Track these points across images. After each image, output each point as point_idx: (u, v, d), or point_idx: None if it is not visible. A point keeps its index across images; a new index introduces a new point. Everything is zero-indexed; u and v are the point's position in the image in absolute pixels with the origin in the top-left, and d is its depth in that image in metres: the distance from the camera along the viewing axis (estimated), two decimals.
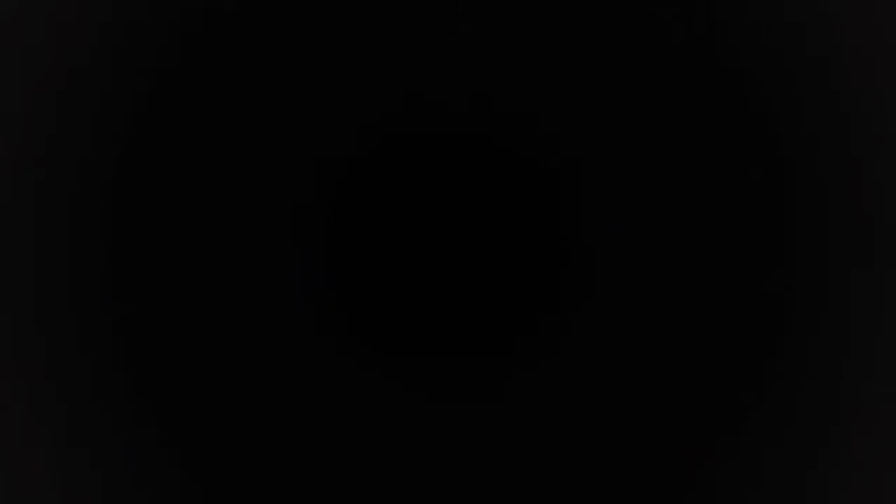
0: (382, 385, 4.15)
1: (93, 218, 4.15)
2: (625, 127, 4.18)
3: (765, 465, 4.12)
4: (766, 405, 4.13)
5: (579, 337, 4.14)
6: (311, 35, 4.19)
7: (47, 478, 4.12)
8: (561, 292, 4.15)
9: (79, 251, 4.14)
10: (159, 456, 4.12)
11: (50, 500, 4.12)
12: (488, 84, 4.19)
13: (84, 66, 4.16)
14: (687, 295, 4.14)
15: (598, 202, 4.17)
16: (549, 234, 4.17)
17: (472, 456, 4.14)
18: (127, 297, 4.14)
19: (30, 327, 4.13)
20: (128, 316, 4.13)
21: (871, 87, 4.17)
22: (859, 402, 4.13)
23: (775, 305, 4.14)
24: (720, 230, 4.15)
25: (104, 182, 4.15)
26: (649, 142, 4.18)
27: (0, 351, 4.12)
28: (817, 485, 4.12)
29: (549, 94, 4.18)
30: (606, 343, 4.14)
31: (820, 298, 4.14)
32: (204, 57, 4.17)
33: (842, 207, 4.15)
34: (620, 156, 4.18)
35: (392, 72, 4.19)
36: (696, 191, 4.17)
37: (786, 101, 4.17)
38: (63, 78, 4.17)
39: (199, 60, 4.17)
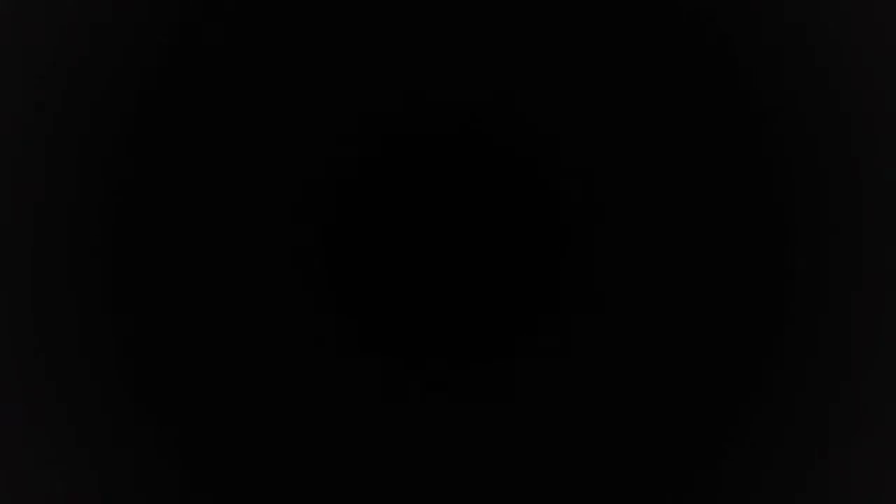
0: (382, 385, 4.15)
1: (93, 218, 4.15)
2: (625, 127, 4.18)
3: (765, 464, 4.12)
4: (767, 405, 4.13)
5: (579, 337, 4.14)
6: (311, 36, 4.19)
7: (47, 478, 4.12)
8: (561, 292, 4.15)
9: (79, 251, 4.14)
10: (159, 456, 4.12)
11: (50, 500, 4.12)
12: (488, 85, 4.19)
13: (84, 67, 4.16)
14: (687, 295, 4.14)
15: (599, 202, 4.17)
16: (549, 234, 4.17)
17: (472, 456, 4.14)
18: (127, 298, 4.14)
19: (30, 327, 4.13)
20: (128, 316, 4.14)
21: (871, 87, 4.18)
22: (859, 402, 4.13)
23: (775, 305, 4.14)
24: (720, 230, 4.15)
25: (104, 181, 4.15)
26: (649, 142, 4.18)
27: (0, 351, 4.12)
28: (817, 485, 4.13)
29: (550, 94, 4.18)
30: (606, 343, 4.14)
31: (820, 298, 4.14)
32: (204, 57, 4.17)
33: (842, 207, 4.15)
34: (620, 156, 4.18)
35: (392, 72, 4.19)
36: (696, 191, 4.17)
37: (786, 101, 4.17)
38: (63, 78, 4.17)
39: (199, 61, 4.17)
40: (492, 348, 4.15)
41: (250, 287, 4.14)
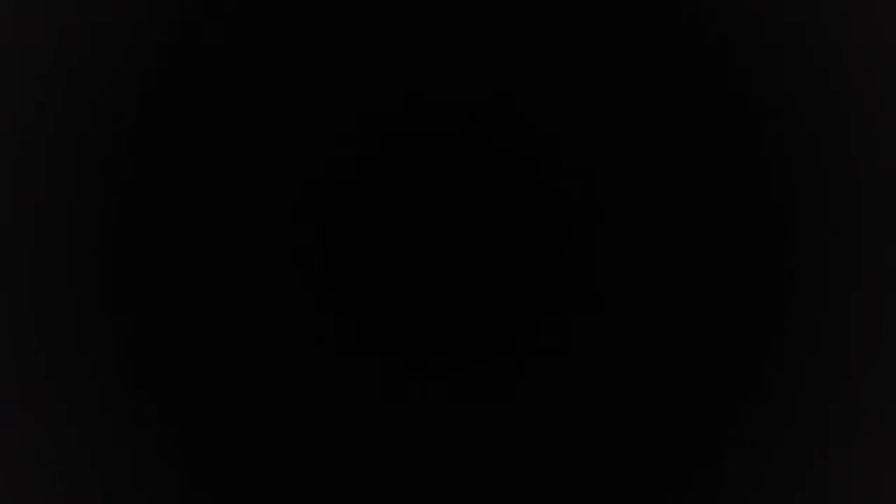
0: (382, 385, 4.15)
1: (93, 218, 4.15)
2: (625, 128, 4.18)
3: (765, 464, 4.12)
4: (767, 405, 4.13)
5: (579, 337, 4.14)
6: (311, 36, 4.19)
7: (47, 478, 4.12)
8: (561, 292, 4.15)
9: (79, 251, 4.14)
10: (159, 456, 4.12)
11: (50, 500, 4.12)
12: (488, 85, 4.19)
13: (84, 67, 4.16)
14: (687, 295, 4.14)
15: (599, 202, 4.17)
16: (549, 234, 4.17)
17: (472, 456, 4.14)
18: (127, 298, 4.14)
19: (30, 327, 4.13)
20: (128, 316, 4.14)
21: (871, 87, 4.18)
22: (859, 402, 4.13)
23: (775, 305, 4.14)
24: (720, 230, 4.15)
25: (104, 181, 4.15)
26: (649, 142, 4.18)
27: (0, 351, 4.12)
28: (817, 485, 4.13)
29: (550, 94, 4.18)
30: (606, 343, 4.14)
31: (820, 298, 4.14)
32: (204, 57, 4.17)
33: (842, 207, 4.15)
34: (620, 156, 4.18)
35: (392, 72, 4.19)
36: (696, 191, 4.17)
37: (786, 101, 4.17)
38: (63, 78, 4.17)
39: (199, 61, 4.17)
40: (492, 348, 4.15)
41: (250, 287, 4.14)
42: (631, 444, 4.12)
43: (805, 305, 4.13)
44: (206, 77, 4.18)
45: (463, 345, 4.15)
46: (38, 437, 4.12)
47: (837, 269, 4.14)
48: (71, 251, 4.14)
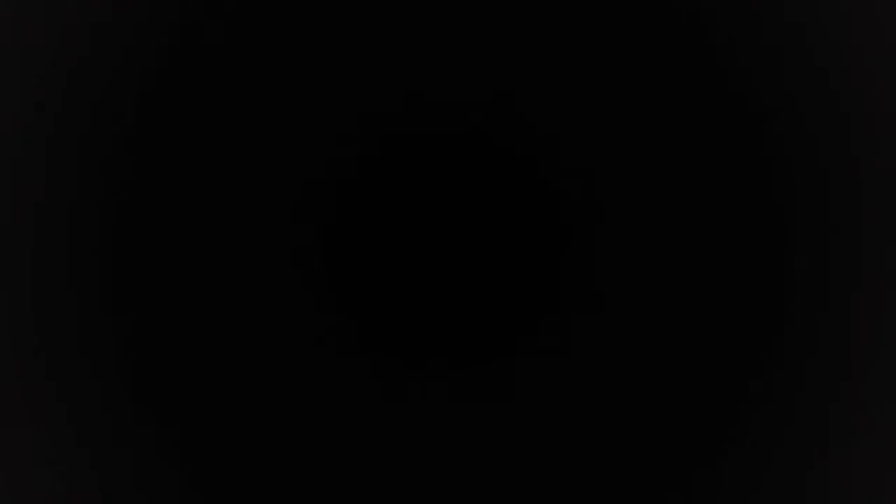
0: (382, 385, 4.15)
1: (93, 218, 4.15)
2: (625, 128, 4.18)
3: (765, 464, 4.12)
4: (767, 405, 4.13)
5: (579, 337, 4.14)
6: (311, 36, 4.19)
7: (47, 478, 4.12)
8: (561, 292, 4.15)
9: (79, 251, 4.14)
10: (159, 456, 4.12)
11: (50, 500, 4.12)
12: (488, 85, 4.19)
13: (84, 67, 4.16)
14: (687, 295, 4.14)
15: (599, 202, 4.17)
16: (549, 234, 4.17)
17: (472, 456, 4.14)
18: (127, 298, 4.14)
19: (30, 327, 4.13)
20: (128, 316, 4.14)
21: (871, 87, 4.18)
22: (859, 402, 4.13)
23: (775, 305, 4.14)
24: (720, 230, 4.15)
25: (104, 181, 4.15)
26: (649, 142, 4.18)
27: (0, 351, 4.12)
28: (817, 485, 4.12)
29: (550, 94, 4.18)
30: (606, 343, 4.14)
31: (820, 298, 4.14)
32: (204, 57, 4.17)
33: (842, 207, 4.15)
34: (620, 156, 4.18)
35: (392, 72, 4.19)
36: (696, 191, 4.17)
37: (786, 101, 4.17)
38: (63, 78, 4.17)
39: (199, 61, 4.17)
40: (492, 348, 4.15)
41: (250, 287, 4.14)
42: (631, 443, 4.12)
43: (805, 305, 4.13)
44: (206, 77, 4.18)
45: (463, 345, 4.15)
46: (38, 437, 4.12)
47: (837, 269, 4.14)
48: (71, 251, 4.14)
